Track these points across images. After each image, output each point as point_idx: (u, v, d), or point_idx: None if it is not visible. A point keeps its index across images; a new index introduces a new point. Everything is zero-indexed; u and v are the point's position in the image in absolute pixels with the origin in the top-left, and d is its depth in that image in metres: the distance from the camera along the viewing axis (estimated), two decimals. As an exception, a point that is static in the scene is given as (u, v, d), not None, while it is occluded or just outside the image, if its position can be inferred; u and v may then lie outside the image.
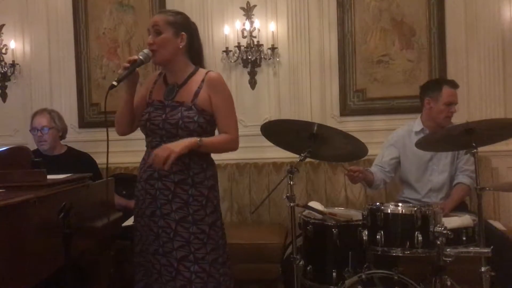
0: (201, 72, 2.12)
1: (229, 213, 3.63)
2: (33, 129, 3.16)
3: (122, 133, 2.20)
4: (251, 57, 3.69)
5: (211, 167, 2.13)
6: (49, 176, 2.02)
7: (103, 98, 3.83)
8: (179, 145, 1.92)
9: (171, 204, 2.02)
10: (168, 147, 1.91)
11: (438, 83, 2.95)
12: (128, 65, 1.99)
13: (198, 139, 1.97)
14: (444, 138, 2.40)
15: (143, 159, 2.14)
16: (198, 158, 2.06)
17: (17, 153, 2.12)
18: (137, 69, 2.04)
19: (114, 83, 1.93)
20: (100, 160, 3.41)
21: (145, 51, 2.02)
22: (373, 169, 2.95)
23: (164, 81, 2.14)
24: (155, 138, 2.06)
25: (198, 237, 2.02)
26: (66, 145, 3.29)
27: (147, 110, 2.08)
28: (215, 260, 2.05)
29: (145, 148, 2.18)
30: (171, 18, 2.08)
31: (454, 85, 2.89)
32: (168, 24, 2.05)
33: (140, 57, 2.00)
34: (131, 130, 2.20)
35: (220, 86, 2.10)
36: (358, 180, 2.71)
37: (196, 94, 2.06)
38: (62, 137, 3.26)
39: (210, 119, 2.07)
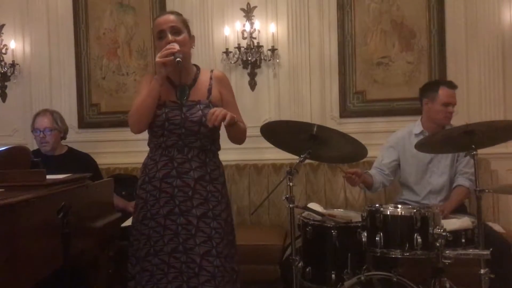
0: (205, 71, 2.19)
1: (228, 214, 3.63)
2: (35, 130, 3.15)
3: (142, 129, 2.09)
4: (251, 58, 3.69)
5: (221, 164, 2.21)
6: (48, 176, 2.02)
7: (103, 98, 3.93)
8: (227, 112, 1.98)
9: (192, 201, 2.04)
10: (220, 109, 1.97)
11: (435, 84, 2.96)
12: (175, 50, 1.96)
13: (235, 116, 2.03)
14: (444, 140, 2.40)
15: (153, 159, 2.11)
16: (213, 155, 2.14)
17: (16, 153, 2.11)
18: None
19: (180, 59, 1.95)
20: (100, 160, 3.41)
21: (176, 45, 2.00)
22: (373, 171, 2.95)
23: (169, 82, 2.13)
24: (171, 138, 2.06)
25: (218, 231, 2.06)
26: (66, 145, 3.29)
27: (162, 111, 2.06)
28: (228, 255, 2.10)
29: (146, 148, 2.17)
30: (184, 19, 2.14)
31: (451, 85, 2.90)
32: (184, 24, 2.12)
33: (178, 48, 1.99)
34: (148, 126, 2.11)
35: (228, 83, 2.23)
36: (357, 183, 2.71)
37: (209, 91, 2.12)
38: (63, 137, 3.26)
39: None
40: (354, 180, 2.66)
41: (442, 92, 2.84)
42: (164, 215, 2.06)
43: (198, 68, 2.20)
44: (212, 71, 2.20)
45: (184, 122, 2.04)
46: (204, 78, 2.15)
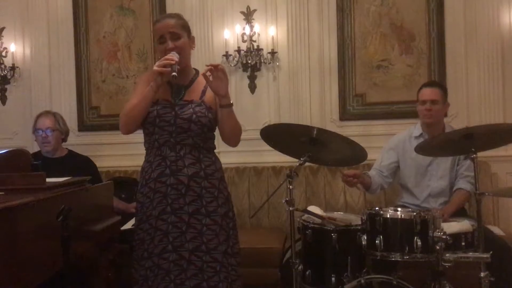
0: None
1: (228, 217, 3.62)
2: (36, 130, 3.16)
3: (131, 132, 2.12)
4: (251, 61, 3.69)
5: (218, 160, 2.20)
6: (48, 179, 2.02)
7: (103, 101, 3.94)
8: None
9: (184, 198, 2.05)
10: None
11: (420, 86, 3.01)
12: (173, 62, 1.98)
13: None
14: (444, 143, 2.40)
15: (148, 161, 2.13)
16: (207, 151, 2.14)
17: (16, 156, 2.11)
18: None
19: (175, 74, 1.97)
20: (99, 163, 3.41)
21: (176, 56, 2.02)
22: (372, 173, 2.95)
23: (166, 82, 2.14)
24: (162, 135, 2.07)
25: (211, 228, 2.05)
26: (66, 148, 3.30)
27: (154, 108, 2.07)
28: (225, 251, 2.09)
29: (144, 151, 2.17)
30: (182, 22, 2.14)
31: (429, 84, 2.97)
32: (183, 28, 2.13)
33: (176, 59, 2.00)
34: (137, 128, 2.14)
35: None
36: (355, 184, 2.72)
37: (203, 92, 2.13)
38: (64, 140, 3.26)
39: (215, 117, 2.13)
40: (352, 182, 2.67)
41: (421, 92, 2.92)
42: (156, 216, 2.06)
43: (197, 71, 2.22)
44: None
45: (175, 119, 2.05)
46: (201, 80, 2.16)
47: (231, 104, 2.08)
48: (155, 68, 2.01)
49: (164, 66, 1.98)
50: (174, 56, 2.01)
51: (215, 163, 2.15)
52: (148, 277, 2.06)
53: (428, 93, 2.89)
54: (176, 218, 2.04)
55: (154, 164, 2.09)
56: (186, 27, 2.14)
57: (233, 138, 2.17)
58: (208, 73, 2.00)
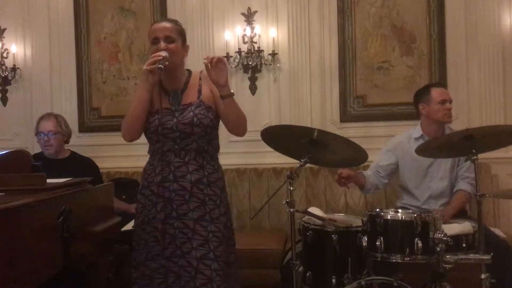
0: (195, 73, 2.20)
1: (229, 219, 3.62)
2: (39, 133, 3.16)
3: (134, 138, 2.13)
4: (252, 62, 3.70)
5: (220, 169, 2.20)
6: (49, 180, 2.02)
7: (104, 102, 3.94)
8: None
9: (188, 204, 2.05)
10: None
11: (425, 87, 3.01)
12: (160, 57, 1.98)
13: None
14: (444, 144, 2.40)
15: (151, 164, 2.13)
16: (211, 158, 2.14)
17: (17, 157, 2.12)
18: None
19: (162, 66, 1.97)
20: (100, 164, 3.41)
21: (164, 52, 2.02)
22: (368, 173, 2.95)
23: (162, 90, 2.14)
24: (166, 143, 2.08)
25: (216, 235, 2.05)
26: (69, 149, 3.30)
27: (155, 117, 2.08)
28: (227, 260, 2.09)
29: (146, 153, 2.18)
30: (180, 28, 2.15)
31: (440, 84, 3.02)
32: (179, 33, 2.13)
33: (163, 55, 2.01)
34: (140, 134, 2.15)
35: None
36: (345, 185, 2.73)
37: (199, 91, 2.13)
38: (67, 141, 3.27)
39: (216, 116, 2.14)
40: (344, 183, 2.68)
41: (434, 92, 2.89)
42: (161, 220, 2.06)
43: (190, 72, 2.21)
44: (201, 71, 2.17)
45: (177, 125, 2.06)
46: (194, 81, 2.16)
47: (232, 94, 2.07)
48: (144, 67, 2.01)
49: (153, 64, 1.99)
50: (161, 53, 2.01)
51: (217, 171, 2.16)
52: (153, 278, 2.06)
53: (446, 92, 2.92)
54: (182, 224, 2.04)
55: (158, 168, 2.09)
56: (182, 34, 2.15)
57: (239, 127, 2.15)
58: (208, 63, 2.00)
